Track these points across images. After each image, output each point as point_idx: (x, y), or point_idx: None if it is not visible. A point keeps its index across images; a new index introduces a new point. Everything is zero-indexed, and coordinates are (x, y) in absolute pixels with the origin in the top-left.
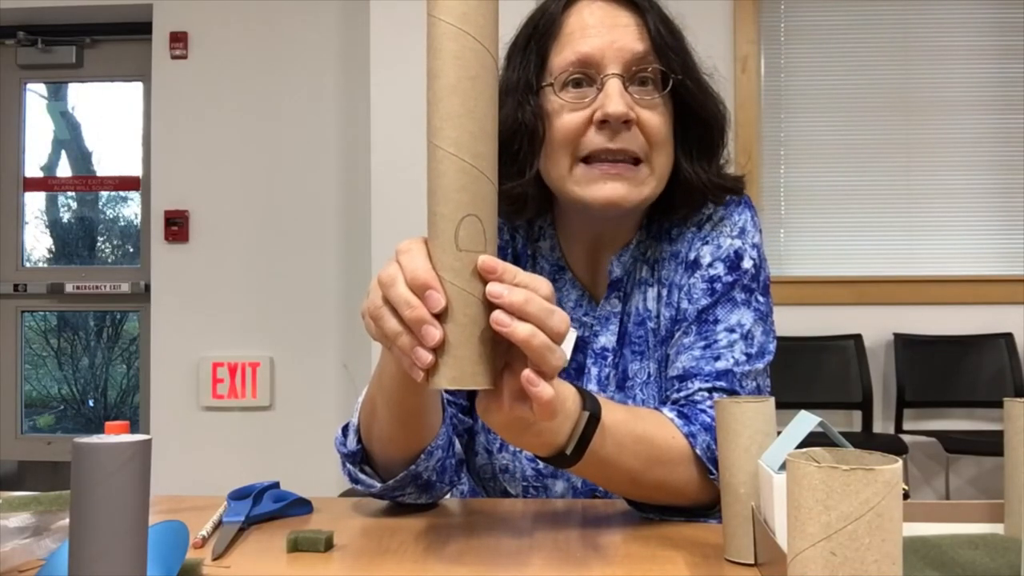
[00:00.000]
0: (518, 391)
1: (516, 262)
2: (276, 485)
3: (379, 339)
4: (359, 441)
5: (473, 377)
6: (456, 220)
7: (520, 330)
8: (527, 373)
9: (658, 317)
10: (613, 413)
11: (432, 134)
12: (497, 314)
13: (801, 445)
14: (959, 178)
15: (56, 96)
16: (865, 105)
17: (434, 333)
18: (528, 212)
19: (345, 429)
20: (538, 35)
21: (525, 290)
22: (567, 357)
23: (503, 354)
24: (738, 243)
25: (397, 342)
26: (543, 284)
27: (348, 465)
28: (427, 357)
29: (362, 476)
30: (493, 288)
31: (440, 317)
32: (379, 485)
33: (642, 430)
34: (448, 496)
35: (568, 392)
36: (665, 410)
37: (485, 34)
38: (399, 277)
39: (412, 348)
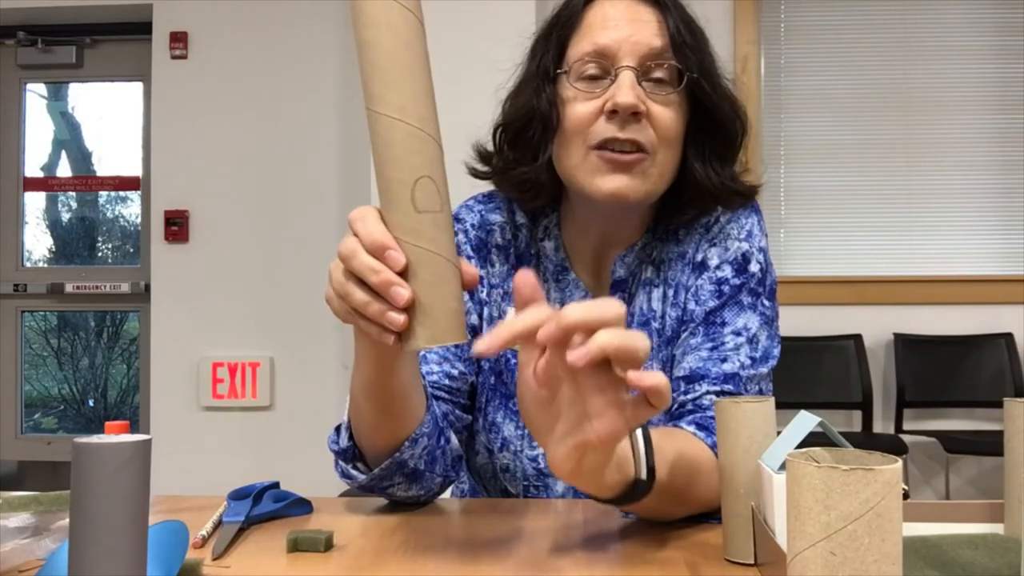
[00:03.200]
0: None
1: (519, 262)
2: (276, 485)
3: (347, 317)
4: (350, 438)
5: (448, 333)
6: (411, 183)
7: (602, 345)
8: (631, 374)
9: (663, 318)
10: (652, 432)
11: (374, 102)
12: (571, 357)
13: (801, 445)
14: (959, 178)
15: (56, 96)
16: (865, 105)
17: (402, 293)
18: (541, 199)
19: (338, 429)
20: (560, 26)
21: (559, 311)
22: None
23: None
24: (745, 246)
25: (368, 311)
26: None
27: (340, 463)
28: (399, 318)
29: (353, 472)
30: (543, 334)
31: (408, 280)
32: (365, 476)
33: (680, 446)
34: (448, 495)
35: None
36: (684, 424)
37: (412, 1)
38: (358, 247)
39: (383, 313)
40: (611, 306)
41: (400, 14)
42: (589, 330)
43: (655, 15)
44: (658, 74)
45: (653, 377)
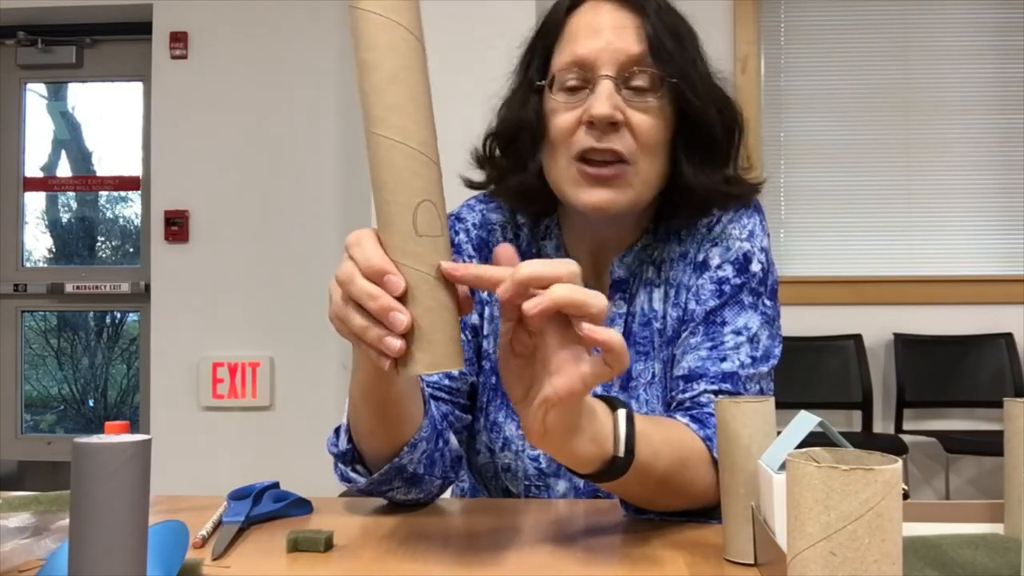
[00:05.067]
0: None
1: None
2: (276, 485)
3: (348, 338)
4: (349, 440)
5: (447, 359)
6: (412, 207)
7: (554, 296)
8: (585, 326)
9: (664, 317)
10: (638, 416)
11: (375, 125)
12: (526, 306)
13: (801, 445)
14: (959, 178)
15: (56, 96)
16: (865, 105)
17: (401, 319)
18: (535, 205)
19: (337, 431)
20: (543, 36)
21: (511, 269)
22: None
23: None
24: (747, 246)
25: (366, 336)
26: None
27: (340, 465)
28: (396, 344)
29: (352, 475)
30: (501, 290)
31: (407, 304)
32: (365, 480)
33: (666, 433)
34: (449, 495)
35: (593, 399)
36: (677, 416)
37: (413, 22)
38: (356, 272)
39: (381, 339)
40: (566, 264)
41: (402, 36)
42: (543, 285)
43: (634, 20)
44: (638, 81)
45: (606, 332)
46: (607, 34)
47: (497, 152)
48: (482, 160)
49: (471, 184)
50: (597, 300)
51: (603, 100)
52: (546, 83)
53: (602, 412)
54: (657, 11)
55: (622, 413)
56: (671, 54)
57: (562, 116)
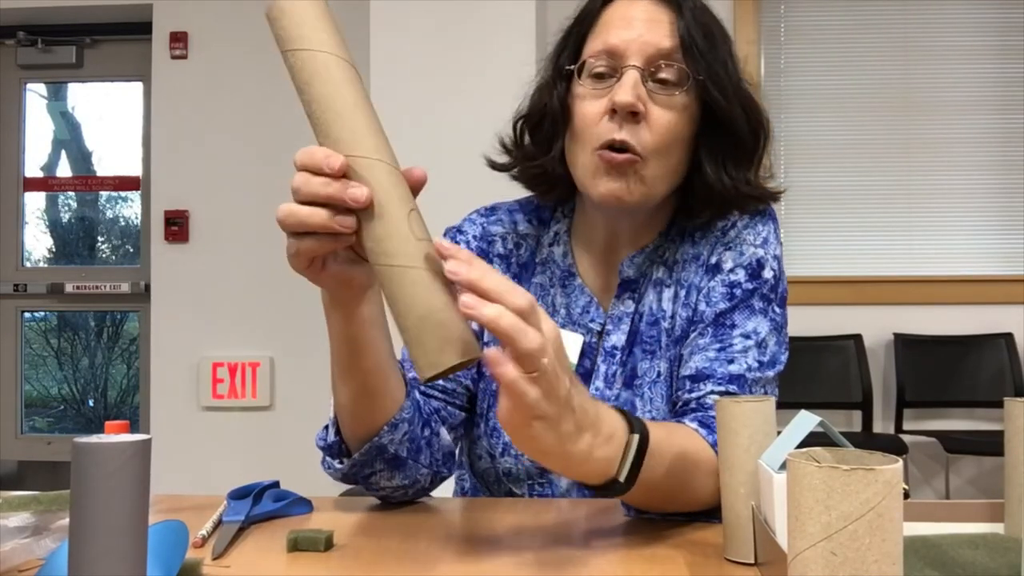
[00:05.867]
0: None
1: (521, 270)
2: (276, 485)
3: (300, 250)
4: (337, 433)
5: (470, 346)
6: (405, 215)
7: (487, 311)
8: (488, 351)
9: (673, 317)
10: (654, 431)
11: (346, 147)
12: (465, 297)
13: (801, 445)
14: (959, 178)
15: (56, 96)
16: (865, 105)
17: (359, 193)
18: (556, 193)
19: (327, 427)
20: (578, 24)
21: (482, 267)
22: (573, 361)
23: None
24: (760, 252)
25: (313, 221)
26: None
27: (328, 458)
28: (349, 220)
29: (338, 465)
30: (451, 265)
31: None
32: (347, 463)
33: (679, 446)
34: (449, 495)
35: (612, 417)
36: (687, 421)
37: (346, 49)
38: (308, 175)
39: (332, 217)
40: (524, 296)
41: (350, 68)
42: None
43: (668, 16)
44: (665, 75)
45: (504, 368)
46: (639, 26)
47: (526, 136)
48: (507, 145)
49: (494, 165)
50: (528, 343)
51: (627, 88)
52: (575, 68)
53: (619, 433)
54: (692, 9)
55: (635, 439)
56: (701, 52)
57: (588, 103)
